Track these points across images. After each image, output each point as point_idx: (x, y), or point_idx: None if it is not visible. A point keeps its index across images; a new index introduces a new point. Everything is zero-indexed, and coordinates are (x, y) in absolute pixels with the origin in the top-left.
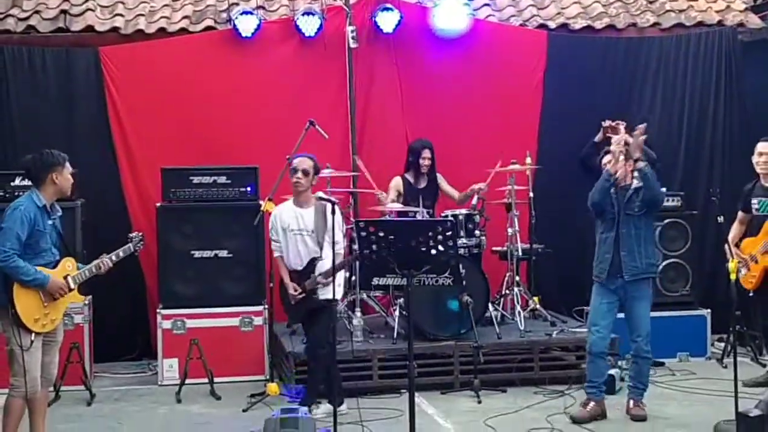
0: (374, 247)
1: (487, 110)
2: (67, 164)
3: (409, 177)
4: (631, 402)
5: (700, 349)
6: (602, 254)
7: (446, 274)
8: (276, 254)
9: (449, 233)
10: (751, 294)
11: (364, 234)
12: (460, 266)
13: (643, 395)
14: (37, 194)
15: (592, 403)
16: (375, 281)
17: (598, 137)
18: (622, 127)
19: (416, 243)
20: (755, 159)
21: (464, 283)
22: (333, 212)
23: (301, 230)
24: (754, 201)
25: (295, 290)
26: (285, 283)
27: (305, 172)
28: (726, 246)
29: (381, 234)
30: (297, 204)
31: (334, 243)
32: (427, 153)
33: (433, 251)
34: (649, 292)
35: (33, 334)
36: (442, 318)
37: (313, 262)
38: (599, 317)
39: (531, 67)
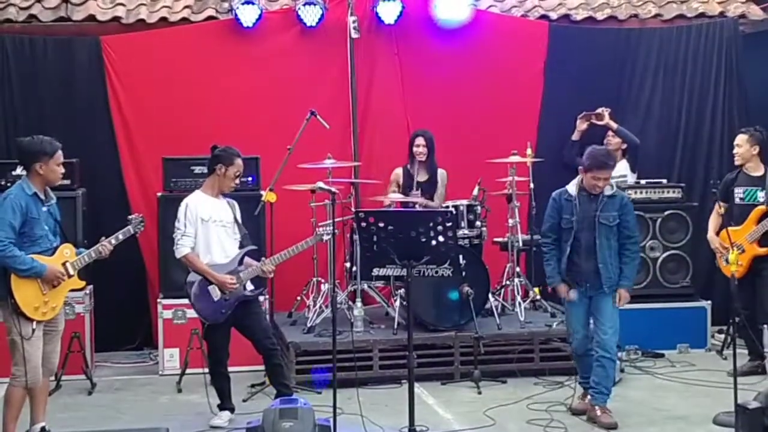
0: (374, 237)
1: (487, 101)
2: (58, 154)
3: (411, 168)
4: (598, 409)
5: (700, 341)
6: (567, 262)
7: (446, 265)
8: (186, 250)
9: (449, 224)
10: (736, 282)
11: (364, 224)
12: (461, 257)
13: (606, 402)
14: (27, 182)
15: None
16: (375, 272)
17: (575, 135)
18: (606, 112)
19: (416, 234)
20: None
21: (464, 273)
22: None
23: (222, 221)
24: (739, 190)
25: (232, 281)
26: (216, 277)
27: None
28: (714, 242)
29: (381, 224)
30: (212, 195)
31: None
32: (419, 140)
33: (434, 242)
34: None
35: (34, 323)
36: (443, 309)
37: (244, 255)
38: (578, 324)
39: (532, 58)
